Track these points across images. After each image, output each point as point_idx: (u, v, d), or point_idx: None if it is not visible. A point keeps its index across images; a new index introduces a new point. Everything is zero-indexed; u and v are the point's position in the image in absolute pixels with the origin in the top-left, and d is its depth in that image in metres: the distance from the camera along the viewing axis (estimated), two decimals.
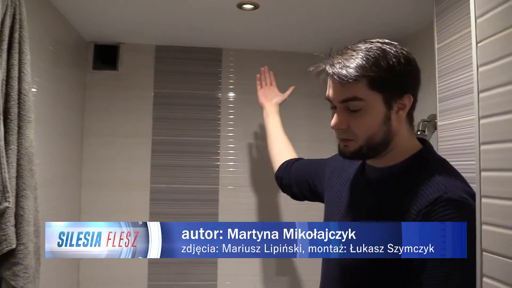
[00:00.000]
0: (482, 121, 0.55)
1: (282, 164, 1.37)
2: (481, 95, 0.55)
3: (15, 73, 1.07)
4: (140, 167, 2.14)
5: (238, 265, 2.13)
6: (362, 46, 0.84)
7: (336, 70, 0.82)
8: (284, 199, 2.14)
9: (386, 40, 0.87)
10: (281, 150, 1.45)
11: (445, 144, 1.38)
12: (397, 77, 0.83)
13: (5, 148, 1.01)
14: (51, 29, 1.66)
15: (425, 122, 1.79)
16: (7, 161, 1.01)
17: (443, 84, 1.38)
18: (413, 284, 0.75)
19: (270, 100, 1.62)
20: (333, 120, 0.86)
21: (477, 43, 0.56)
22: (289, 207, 2.17)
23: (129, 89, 2.15)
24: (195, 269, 2.13)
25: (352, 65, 0.81)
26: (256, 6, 1.65)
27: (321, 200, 1.13)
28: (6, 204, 0.98)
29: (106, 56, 2.14)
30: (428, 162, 0.85)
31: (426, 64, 1.73)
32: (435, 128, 1.55)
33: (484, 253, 0.56)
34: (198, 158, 2.18)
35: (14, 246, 0.99)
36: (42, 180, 1.17)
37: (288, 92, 1.65)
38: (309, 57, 2.18)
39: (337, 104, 0.86)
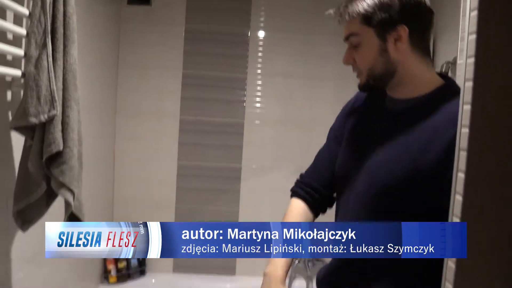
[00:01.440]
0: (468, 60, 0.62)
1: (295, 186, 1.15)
2: (470, 37, 0.61)
3: None
4: (170, 98, 2.27)
5: (258, 195, 2.30)
6: None
7: (338, 11, 0.94)
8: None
9: None
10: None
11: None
12: (384, 10, 0.89)
13: (53, 64, 1.14)
14: None
15: (449, 64, 1.80)
16: (54, 75, 1.14)
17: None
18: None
19: None
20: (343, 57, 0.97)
21: None
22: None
23: (161, 24, 2.24)
24: (219, 196, 2.31)
25: (350, 6, 0.91)
26: None
27: None
28: (54, 111, 1.12)
29: None
30: (456, 92, 0.89)
31: (456, 4, 1.72)
32: None
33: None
34: (225, 93, 2.28)
35: (61, 148, 1.13)
36: (82, 105, 1.28)
37: None
38: None
39: (345, 42, 0.96)
